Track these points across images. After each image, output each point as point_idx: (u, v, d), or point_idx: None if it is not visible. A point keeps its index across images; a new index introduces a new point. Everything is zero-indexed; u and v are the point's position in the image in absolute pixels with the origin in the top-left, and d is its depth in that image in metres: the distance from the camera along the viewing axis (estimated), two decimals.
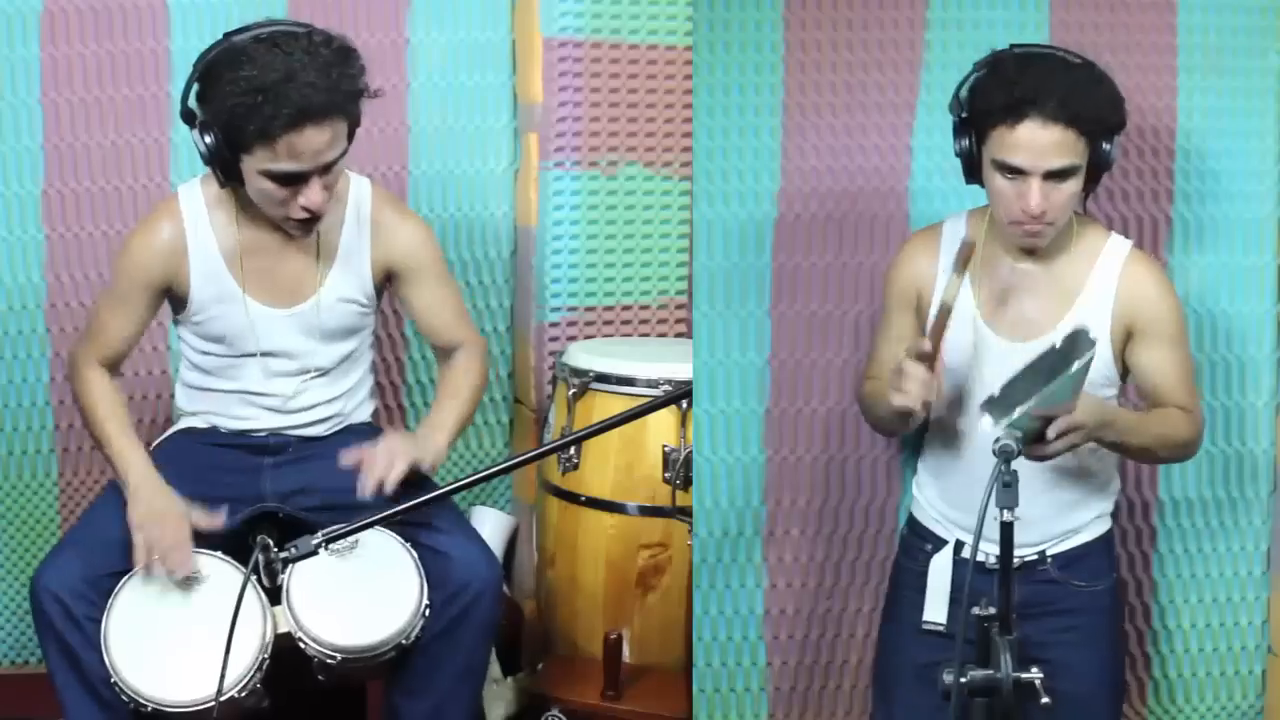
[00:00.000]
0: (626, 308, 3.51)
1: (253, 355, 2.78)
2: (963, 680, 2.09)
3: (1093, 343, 2.22)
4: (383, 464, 2.64)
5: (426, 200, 3.41)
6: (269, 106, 2.44)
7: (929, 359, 2.36)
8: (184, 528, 2.60)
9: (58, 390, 3.36)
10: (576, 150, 3.40)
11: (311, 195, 2.57)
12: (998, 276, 2.55)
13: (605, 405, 3.10)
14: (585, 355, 3.19)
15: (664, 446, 3.09)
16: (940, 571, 2.60)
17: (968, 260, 2.35)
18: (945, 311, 2.38)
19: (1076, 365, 2.21)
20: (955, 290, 2.36)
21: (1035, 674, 2.09)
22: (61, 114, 3.26)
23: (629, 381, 3.11)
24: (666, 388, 3.06)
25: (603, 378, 3.14)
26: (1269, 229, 2.92)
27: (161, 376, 3.36)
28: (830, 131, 2.90)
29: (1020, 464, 2.45)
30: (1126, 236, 2.91)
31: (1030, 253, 2.53)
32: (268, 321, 2.76)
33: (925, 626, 2.59)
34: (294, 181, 2.55)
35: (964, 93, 2.49)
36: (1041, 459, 2.32)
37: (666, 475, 3.09)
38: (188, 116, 2.57)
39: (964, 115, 2.48)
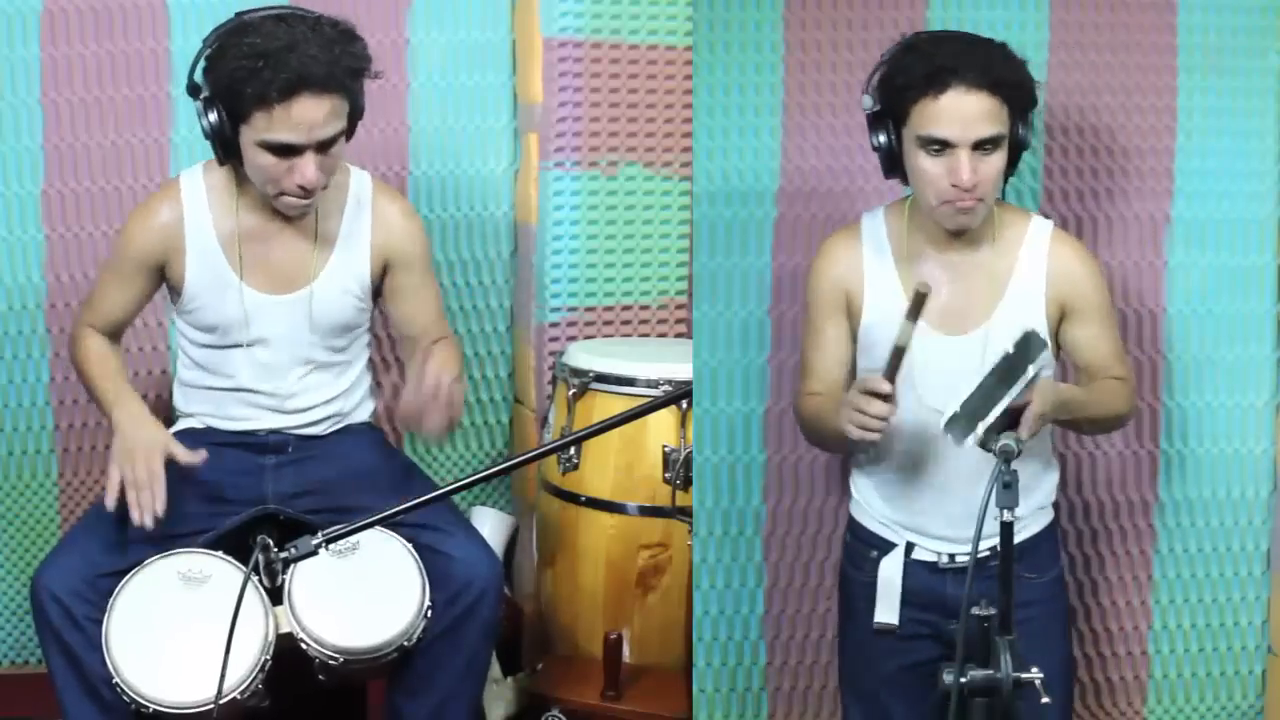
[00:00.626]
0: (626, 308, 3.51)
1: (246, 345, 2.78)
2: (963, 680, 2.09)
3: (1045, 344, 2.21)
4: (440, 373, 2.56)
5: (426, 200, 3.41)
6: (268, 71, 2.47)
7: (887, 399, 2.33)
8: (157, 462, 2.58)
9: (58, 390, 3.36)
10: (576, 150, 3.40)
11: (306, 171, 2.56)
12: (924, 269, 2.53)
13: (605, 405, 3.10)
14: (585, 355, 3.19)
15: (664, 446, 3.09)
16: (890, 576, 2.58)
17: (920, 306, 2.30)
18: (899, 352, 2.33)
19: (1032, 370, 2.21)
20: (909, 334, 2.31)
21: (1035, 674, 2.09)
22: (61, 114, 3.26)
23: (629, 381, 3.11)
24: (666, 388, 3.06)
25: (603, 378, 3.13)
26: (1269, 229, 2.92)
27: (162, 377, 3.36)
28: (830, 131, 2.90)
29: (955, 464, 2.47)
30: (1127, 236, 2.93)
31: (957, 236, 2.50)
32: (262, 308, 2.76)
33: (876, 627, 2.57)
34: (289, 154, 2.55)
35: (875, 82, 2.46)
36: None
37: (666, 475, 3.09)
38: (193, 89, 2.59)
39: (878, 108, 2.46)
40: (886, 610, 2.57)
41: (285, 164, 2.57)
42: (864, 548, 2.63)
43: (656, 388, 3.07)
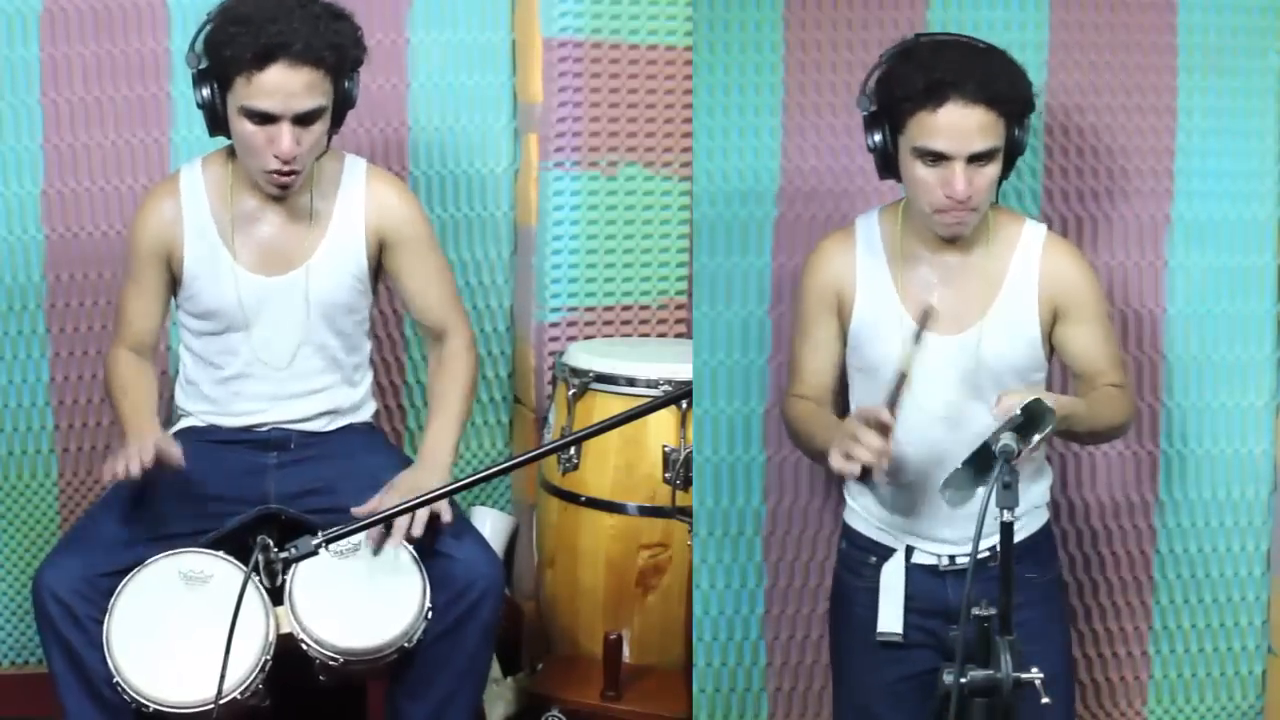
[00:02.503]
0: (626, 308, 3.51)
1: (244, 329, 2.78)
2: (963, 680, 2.09)
3: (1053, 412, 2.18)
4: (398, 531, 2.62)
5: (426, 200, 3.41)
6: (247, 37, 2.56)
7: (885, 430, 2.32)
8: (149, 441, 2.61)
9: (58, 390, 3.36)
10: (576, 150, 3.40)
11: (282, 141, 2.61)
12: (917, 271, 2.53)
13: (605, 405, 3.10)
14: (585, 355, 3.19)
15: (664, 446, 3.09)
16: (892, 581, 2.57)
17: (924, 326, 2.29)
18: (902, 379, 2.32)
19: (1037, 439, 2.18)
20: (911, 359, 2.31)
21: (1035, 674, 2.09)
22: (61, 114, 3.26)
23: (629, 381, 3.11)
24: (666, 388, 3.06)
25: (603, 378, 3.13)
26: (1269, 229, 2.92)
27: (162, 377, 3.35)
28: (830, 131, 2.90)
29: (952, 465, 2.45)
30: (1127, 237, 2.93)
31: (951, 242, 2.51)
32: (257, 290, 2.77)
33: (880, 638, 2.56)
34: (268, 122, 2.60)
35: (873, 85, 2.46)
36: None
37: (666, 475, 3.09)
38: (190, 59, 2.65)
39: (875, 109, 2.46)
40: (890, 619, 2.55)
41: (264, 134, 2.62)
42: (861, 554, 2.63)
43: (656, 388, 3.08)
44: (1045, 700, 2.09)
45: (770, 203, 2.92)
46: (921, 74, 2.37)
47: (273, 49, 2.56)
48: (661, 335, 3.53)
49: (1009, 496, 2.09)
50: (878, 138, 2.46)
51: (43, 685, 2.69)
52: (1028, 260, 2.53)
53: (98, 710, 2.58)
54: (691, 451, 3.01)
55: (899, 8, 2.86)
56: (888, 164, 2.49)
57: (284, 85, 2.58)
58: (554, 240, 3.42)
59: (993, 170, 2.41)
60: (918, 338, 2.31)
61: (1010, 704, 2.08)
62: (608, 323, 3.50)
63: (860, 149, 2.81)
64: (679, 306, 3.54)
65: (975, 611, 2.11)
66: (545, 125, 3.39)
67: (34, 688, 3.12)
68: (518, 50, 3.43)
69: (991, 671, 2.09)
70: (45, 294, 3.32)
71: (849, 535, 2.68)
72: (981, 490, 2.14)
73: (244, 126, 2.63)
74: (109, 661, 2.52)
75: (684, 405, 3.03)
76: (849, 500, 2.68)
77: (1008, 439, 2.12)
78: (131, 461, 2.56)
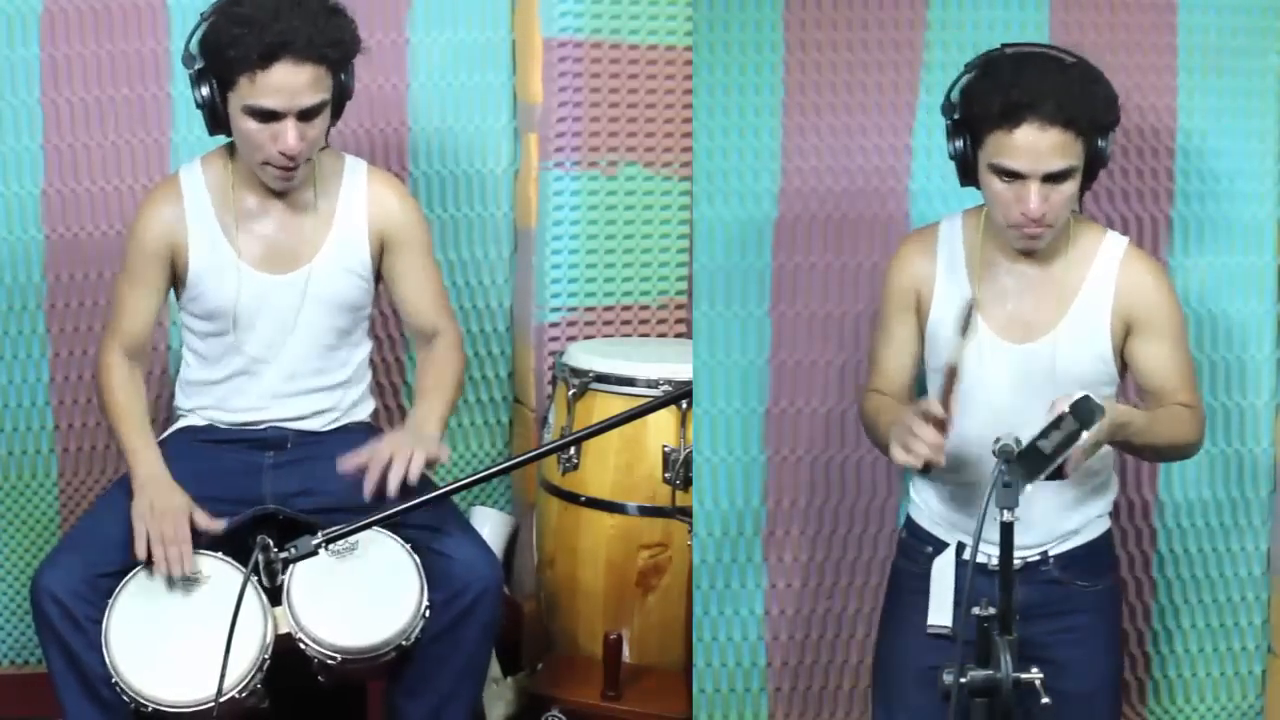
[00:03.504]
0: (626, 308, 3.51)
1: (248, 327, 2.79)
2: (963, 680, 2.09)
3: (1101, 410, 2.17)
4: (399, 462, 2.64)
5: (426, 200, 3.41)
6: (251, 37, 2.57)
7: (941, 425, 2.33)
8: (184, 525, 2.61)
9: (58, 390, 3.36)
10: (576, 150, 3.40)
11: (287, 138, 2.61)
12: (995, 278, 2.55)
13: (605, 405, 3.10)
14: (585, 355, 3.19)
15: (664, 446, 3.09)
16: (943, 574, 2.58)
17: (969, 321, 2.30)
18: (952, 373, 2.34)
19: (1087, 436, 2.17)
20: (960, 352, 2.32)
21: (1035, 674, 2.09)
22: (61, 114, 3.26)
23: (629, 381, 3.11)
24: (666, 388, 3.06)
25: (603, 378, 3.13)
26: (1269, 229, 2.92)
27: (162, 376, 3.35)
28: (830, 131, 2.90)
29: None
30: (1126, 236, 2.92)
31: (1028, 253, 2.52)
32: (262, 288, 2.77)
33: (930, 630, 2.56)
34: (271, 120, 2.61)
35: (956, 95, 2.47)
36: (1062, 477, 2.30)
37: (666, 475, 3.09)
38: (187, 60, 2.65)
39: (957, 118, 2.47)
40: (940, 612, 2.55)
41: (268, 130, 2.62)
42: (918, 543, 2.64)
43: (656, 388, 3.07)
44: (1045, 700, 2.09)
45: (770, 203, 2.92)
46: (999, 94, 2.37)
47: (276, 48, 2.56)
48: (661, 335, 3.53)
49: (1009, 496, 2.09)
50: (958, 145, 2.47)
51: (42, 685, 2.69)
52: (1104, 272, 2.52)
53: (97, 710, 2.58)
54: (691, 451, 3.01)
55: (899, 8, 2.86)
56: (967, 172, 2.49)
57: (288, 83, 2.59)
58: (554, 240, 3.42)
59: (1069, 188, 2.41)
60: (963, 332, 2.31)
61: (1010, 704, 2.08)
62: (608, 323, 3.50)
63: (860, 149, 2.83)
64: (679, 306, 3.54)
65: (975, 611, 2.11)
66: (545, 125, 3.39)
67: (34, 688, 3.12)
68: (518, 50, 3.43)
69: (991, 671, 2.09)
70: (45, 294, 3.32)
71: (909, 526, 2.69)
72: (1030, 488, 2.14)
73: (247, 124, 2.63)
74: (108, 662, 2.52)
75: (684, 405, 3.03)
76: (911, 494, 2.70)
77: (1007, 438, 2.12)
78: (174, 568, 2.58)
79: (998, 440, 2.13)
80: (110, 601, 2.56)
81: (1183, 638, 3.03)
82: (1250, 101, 2.88)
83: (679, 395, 2.76)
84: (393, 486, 2.62)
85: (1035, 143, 2.36)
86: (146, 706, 2.51)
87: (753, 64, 2.89)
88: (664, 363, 3.13)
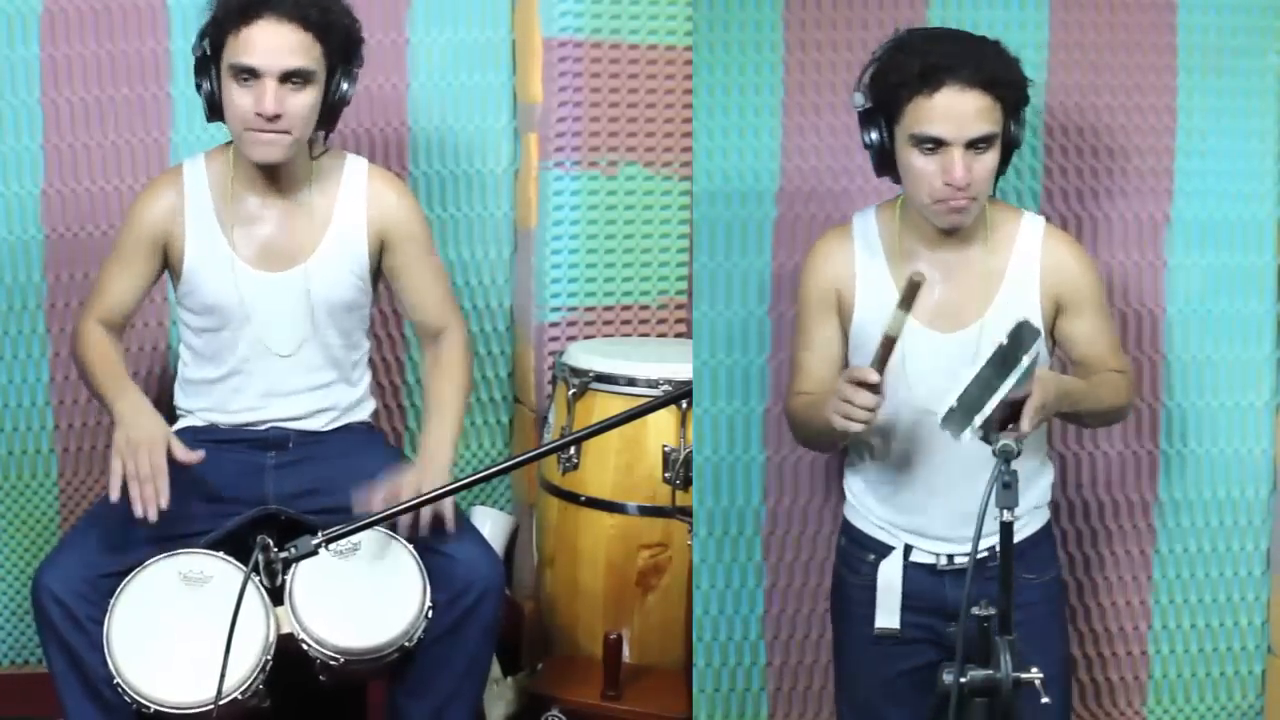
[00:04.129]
0: (626, 308, 3.51)
1: (244, 325, 2.79)
2: (963, 680, 2.09)
3: (1038, 333, 2.20)
4: (404, 524, 2.65)
5: (426, 200, 3.41)
6: None
7: (874, 389, 2.31)
8: (160, 457, 2.58)
9: (58, 390, 3.36)
10: (576, 150, 3.40)
11: (265, 98, 2.62)
12: (917, 268, 2.53)
13: (605, 405, 3.10)
14: (585, 355, 3.19)
15: (664, 446, 3.09)
16: (890, 579, 2.57)
17: (913, 296, 2.27)
18: (890, 342, 2.31)
19: (1026, 360, 2.20)
20: (900, 324, 2.29)
21: (1035, 674, 2.09)
22: (61, 114, 3.26)
23: (629, 381, 3.11)
24: (666, 388, 3.06)
25: (603, 378, 3.14)
26: (1269, 229, 2.92)
27: (162, 376, 3.36)
28: (830, 131, 2.90)
29: (952, 463, 2.46)
30: (1126, 236, 2.93)
31: (950, 234, 2.50)
32: (258, 286, 2.78)
33: (878, 631, 2.56)
34: (253, 79, 2.63)
35: (868, 79, 2.45)
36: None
37: (666, 475, 3.09)
38: (195, 49, 2.69)
39: (870, 104, 2.45)
40: (887, 615, 2.56)
41: (250, 94, 2.63)
42: (860, 551, 2.63)
43: (656, 388, 3.08)
44: (1045, 700, 2.09)
45: (770, 203, 2.92)
46: (917, 59, 2.36)
47: (259, 4, 2.60)
48: (661, 335, 3.53)
49: (1009, 496, 2.09)
50: (874, 134, 2.46)
51: (43, 685, 2.69)
52: (1028, 254, 2.53)
53: (98, 711, 2.58)
54: (691, 451, 3.01)
55: (899, 8, 2.86)
56: (884, 160, 2.48)
57: (269, 41, 2.61)
58: (554, 240, 3.42)
59: (991, 158, 2.40)
60: (905, 304, 2.29)
61: (1010, 704, 2.08)
62: (608, 323, 3.50)
63: (860, 149, 2.82)
64: (679, 306, 3.54)
65: (975, 611, 2.11)
66: (545, 125, 3.39)
67: (34, 688, 3.12)
68: (518, 50, 3.43)
69: (991, 671, 2.09)
70: (45, 294, 3.32)
71: (848, 531, 2.67)
72: (977, 419, 2.15)
73: (232, 91, 2.65)
74: (109, 662, 2.52)
75: (684, 405, 3.03)
76: (849, 497, 2.68)
77: (1007, 438, 2.12)
78: (149, 508, 2.54)
79: (998, 440, 2.13)
80: (112, 601, 2.56)
81: (1183, 638, 3.04)
82: (1250, 101, 2.88)
83: (679, 395, 2.76)
84: (423, 528, 2.64)
85: (955, 105, 2.35)
86: (148, 707, 2.51)
87: (753, 64, 2.89)
88: (664, 363, 3.13)
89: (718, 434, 2.94)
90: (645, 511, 3.11)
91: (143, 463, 2.56)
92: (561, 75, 3.36)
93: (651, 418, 2.92)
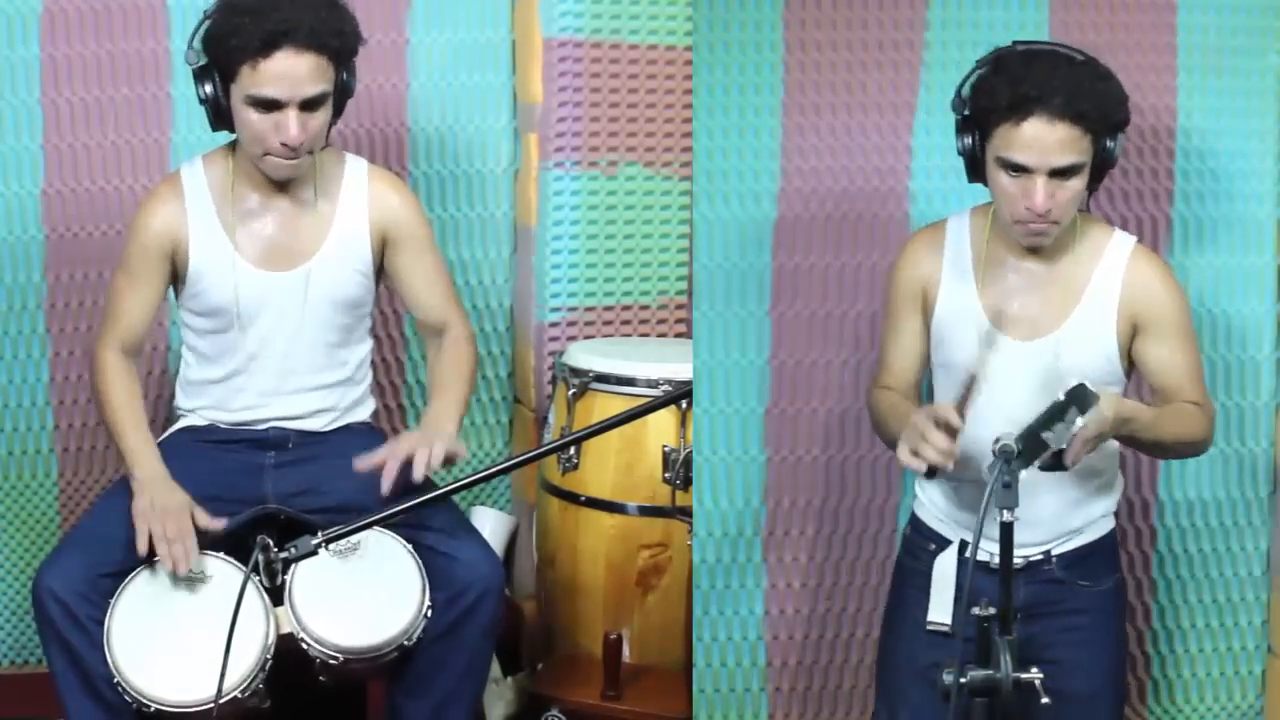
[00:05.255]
0: (626, 308, 3.51)
1: (248, 326, 2.79)
2: (963, 680, 2.09)
3: (1097, 397, 2.18)
4: (420, 455, 2.63)
5: (426, 200, 3.41)
6: (251, 24, 2.59)
7: (953, 432, 2.31)
8: (187, 522, 2.61)
9: (58, 390, 3.36)
10: (576, 150, 3.40)
11: (289, 128, 2.63)
12: (1002, 275, 2.55)
13: (605, 405, 3.10)
14: (585, 355, 3.19)
15: (664, 446, 3.09)
16: (945, 571, 2.58)
17: (993, 342, 2.30)
18: (973, 382, 2.33)
19: (1081, 421, 2.18)
20: (984, 361, 2.31)
21: (1035, 674, 2.09)
22: (61, 114, 3.26)
23: (629, 381, 3.11)
24: (666, 388, 3.06)
25: (603, 378, 3.14)
26: (1269, 229, 2.92)
27: (161, 376, 3.36)
28: (830, 131, 2.90)
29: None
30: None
31: (1034, 251, 2.52)
32: (262, 286, 2.78)
33: (930, 627, 2.57)
34: (273, 109, 2.63)
35: (966, 90, 2.47)
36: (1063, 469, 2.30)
37: (666, 475, 3.09)
38: (190, 56, 2.68)
39: (967, 113, 2.47)
40: (940, 609, 2.55)
41: (270, 121, 2.63)
42: (922, 540, 2.64)
43: (656, 388, 3.08)
44: (1045, 700, 2.09)
45: (770, 203, 2.92)
46: (1008, 86, 2.37)
47: (277, 36, 2.58)
48: (661, 335, 3.54)
49: (1009, 497, 2.09)
50: (967, 141, 2.47)
51: (43, 685, 2.69)
52: (1111, 271, 2.52)
53: (98, 710, 2.57)
54: (691, 451, 3.01)
55: (899, 8, 2.86)
56: (975, 168, 2.49)
57: (290, 71, 2.60)
58: (554, 240, 3.42)
59: (1076, 184, 2.41)
60: (990, 340, 2.31)
61: (1010, 704, 2.08)
62: (608, 323, 3.50)
63: (860, 149, 2.83)
64: (679, 306, 3.54)
65: (975, 611, 2.11)
66: (545, 125, 3.39)
67: (34, 688, 3.12)
68: (518, 50, 3.43)
69: (991, 671, 2.09)
70: (45, 294, 3.32)
71: (914, 523, 2.69)
72: (1027, 477, 2.15)
73: (249, 115, 2.64)
74: (109, 661, 2.52)
75: (684, 405, 3.03)
76: (917, 490, 2.69)
77: (1008, 439, 2.12)
78: (180, 566, 2.57)
79: (997, 440, 2.13)
80: (112, 601, 2.56)
81: (1183, 638, 3.04)
82: (1250, 101, 2.88)
83: (679, 395, 2.76)
84: (418, 473, 2.62)
85: (1042, 136, 2.36)
86: (149, 706, 2.51)
87: (753, 64, 2.89)
88: (664, 363, 3.13)
89: (717, 434, 2.94)
90: (645, 511, 3.11)
91: (170, 527, 2.59)
92: (561, 75, 3.36)
93: (651, 418, 2.92)
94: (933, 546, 2.62)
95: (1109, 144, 2.43)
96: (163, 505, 2.61)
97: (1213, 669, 3.05)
